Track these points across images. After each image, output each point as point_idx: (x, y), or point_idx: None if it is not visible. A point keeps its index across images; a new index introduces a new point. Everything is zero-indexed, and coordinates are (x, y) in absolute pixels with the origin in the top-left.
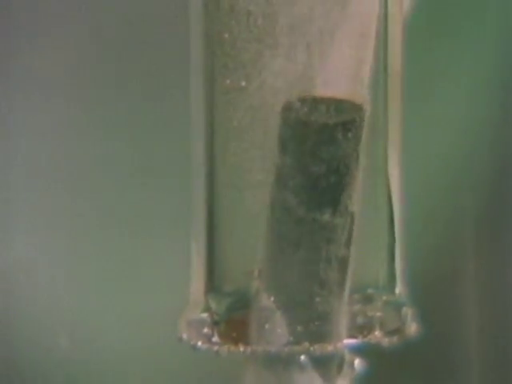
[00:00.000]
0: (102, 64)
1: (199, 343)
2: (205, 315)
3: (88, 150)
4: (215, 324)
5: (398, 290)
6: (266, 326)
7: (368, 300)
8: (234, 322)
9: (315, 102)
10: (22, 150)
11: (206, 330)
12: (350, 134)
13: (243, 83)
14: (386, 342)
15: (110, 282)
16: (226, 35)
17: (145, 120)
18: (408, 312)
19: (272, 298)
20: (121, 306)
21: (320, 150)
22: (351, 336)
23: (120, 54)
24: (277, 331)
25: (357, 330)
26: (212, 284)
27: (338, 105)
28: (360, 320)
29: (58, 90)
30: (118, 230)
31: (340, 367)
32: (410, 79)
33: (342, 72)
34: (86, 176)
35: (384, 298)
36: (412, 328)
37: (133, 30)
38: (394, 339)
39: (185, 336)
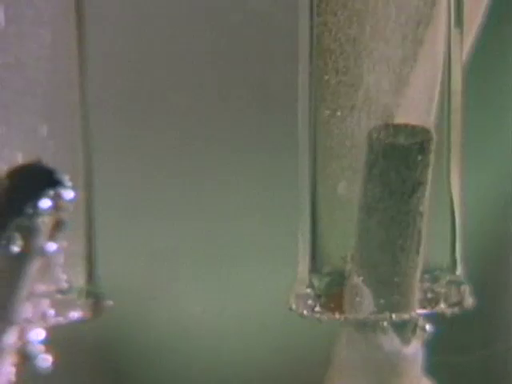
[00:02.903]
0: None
1: (305, 312)
2: (309, 290)
3: (216, 153)
4: (317, 297)
5: (458, 272)
6: (357, 299)
7: (435, 279)
8: (332, 296)
9: (394, 128)
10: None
11: (310, 302)
12: (422, 152)
13: (338, 113)
14: (448, 312)
15: (236, 264)
16: (327, 77)
17: (262, 138)
18: (466, 289)
19: (361, 278)
20: (244, 284)
21: (398, 165)
22: (422, 307)
23: (236, 85)
24: (365, 303)
25: (427, 302)
26: (315, 266)
27: (412, 130)
28: (429, 295)
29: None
30: (247, 224)
31: (414, 330)
32: (471, 106)
33: (415, 104)
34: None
35: (447, 278)
36: (469, 301)
37: (241, 67)
38: (455, 310)
39: (294, 306)
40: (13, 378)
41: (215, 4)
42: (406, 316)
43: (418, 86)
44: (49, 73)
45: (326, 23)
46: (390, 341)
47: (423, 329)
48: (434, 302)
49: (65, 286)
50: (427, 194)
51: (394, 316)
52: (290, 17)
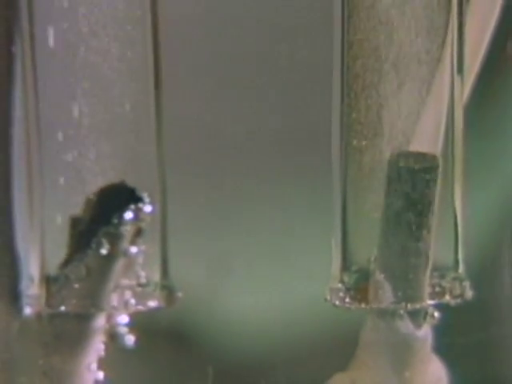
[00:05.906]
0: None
1: (337, 302)
2: (341, 285)
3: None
4: (347, 290)
5: (460, 270)
6: (379, 292)
7: (442, 276)
8: (359, 289)
9: (409, 155)
10: None
11: (341, 294)
12: (430, 174)
13: (364, 143)
14: (452, 302)
15: (281, 264)
16: (354, 115)
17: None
18: (466, 284)
19: (382, 275)
20: (288, 281)
21: (411, 184)
22: (431, 298)
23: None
24: (385, 295)
25: (435, 294)
26: (345, 265)
27: (422, 156)
28: (437, 288)
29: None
30: (291, 234)
31: (425, 317)
32: (473, 133)
33: (425, 136)
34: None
35: (452, 275)
36: (469, 294)
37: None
38: (458, 301)
39: (328, 298)
40: (102, 353)
41: (264, 52)
42: (418, 305)
43: (428, 121)
44: (130, 111)
45: (352, 70)
46: (406, 325)
47: (432, 316)
48: (441, 294)
49: (144, 280)
50: (435, 207)
51: (409, 305)
52: (327, 65)
